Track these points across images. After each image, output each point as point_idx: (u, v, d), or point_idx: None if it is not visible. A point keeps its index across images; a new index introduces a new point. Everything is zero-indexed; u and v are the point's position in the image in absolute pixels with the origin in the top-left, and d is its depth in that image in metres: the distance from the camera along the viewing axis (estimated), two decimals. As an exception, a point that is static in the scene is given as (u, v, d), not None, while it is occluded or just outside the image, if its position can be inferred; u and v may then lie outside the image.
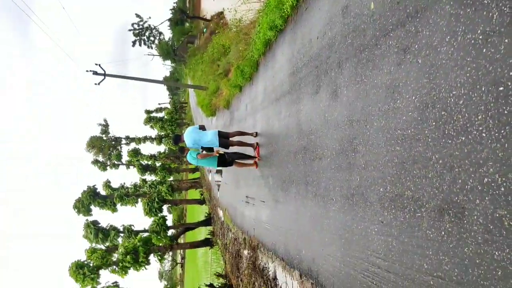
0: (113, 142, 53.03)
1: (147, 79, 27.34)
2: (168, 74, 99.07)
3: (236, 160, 9.42)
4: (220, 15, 32.39)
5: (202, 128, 9.39)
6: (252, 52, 10.45)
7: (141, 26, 58.08)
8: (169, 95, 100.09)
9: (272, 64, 8.70)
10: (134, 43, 56.81)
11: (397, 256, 3.49)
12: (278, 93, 7.96)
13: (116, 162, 43.67)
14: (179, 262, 64.14)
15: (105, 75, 26.51)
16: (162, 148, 55.91)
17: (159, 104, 66.85)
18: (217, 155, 9.13)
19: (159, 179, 37.35)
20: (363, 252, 4.11)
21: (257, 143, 9.53)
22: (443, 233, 2.92)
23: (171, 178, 44.40)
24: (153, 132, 58.56)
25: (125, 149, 49.31)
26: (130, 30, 56.27)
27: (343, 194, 4.65)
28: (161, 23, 67.55)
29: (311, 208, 5.70)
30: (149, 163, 42.17)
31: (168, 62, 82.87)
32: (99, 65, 26.49)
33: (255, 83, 10.56)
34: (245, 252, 10.99)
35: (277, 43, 8.39)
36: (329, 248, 5.01)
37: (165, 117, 58.14)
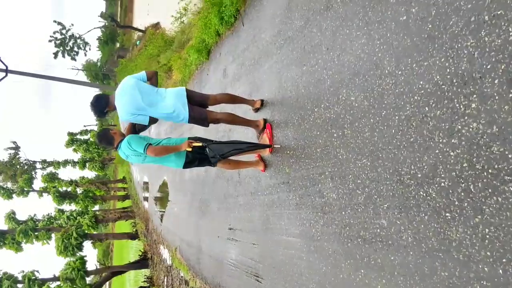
0: (26, 167, 44.86)
1: (60, 79, 21.51)
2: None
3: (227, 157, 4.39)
4: (156, 25, 28.10)
5: (153, 77, 4.43)
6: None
7: (63, 35, 51.13)
8: (96, 119, 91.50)
9: None
10: (56, 54, 49.83)
11: None
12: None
13: (26, 189, 35.80)
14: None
15: (7, 71, 20.34)
16: (87, 173, 48.45)
17: (85, 126, 59.11)
18: (190, 149, 4.17)
19: (80, 209, 30.58)
20: None
21: (264, 120, 4.69)
22: None
23: (96, 207, 37.43)
24: (76, 156, 50.85)
25: (41, 175, 41.45)
26: (50, 40, 49.30)
27: None
28: (88, 31, 60.74)
29: None
30: (69, 189, 34.96)
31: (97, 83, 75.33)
32: (-1, 59, 20.35)
33: (250, 18, 5.78)
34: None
35: None
36: None
37: (91, 139, 50.99)
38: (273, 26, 4.87)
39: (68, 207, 32.53)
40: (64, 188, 34.98)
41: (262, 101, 4.86)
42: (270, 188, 4.52)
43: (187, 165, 4.25)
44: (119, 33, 59.47)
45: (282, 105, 4.37)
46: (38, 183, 39.55)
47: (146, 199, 19.97)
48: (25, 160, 45.51)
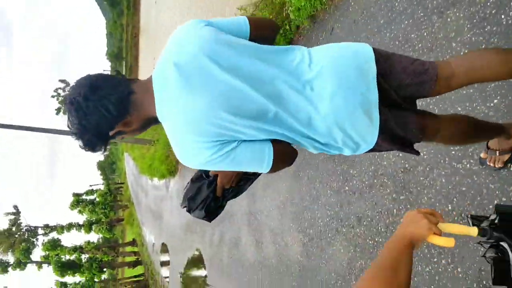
0: (26, 235, 41.09)
1: (62, 131, 18.53)
2: (102, 158, 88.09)
3: None
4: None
5: (267, 32, 1.30)
6: None
7: (67, 91, 49.38)
8: (102, 177, 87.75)
9: None
10: (58, 110, 48.25)
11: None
12: None
13: (23, 260, 31.79)
14: None
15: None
16: (93, 236, 44.46)
17: (90, 186, 55.66)
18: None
19: (85, 281, 26.65)
20: None
21: None
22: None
23: (104, 277, 33.23)
24: (81, 219, 47.13)
25: (41, 242, 37.54)
26: (53, 96, 47.70)
27: None
28: (92, 86, 59.41)
29: None
30: (73, 257, 30.93)
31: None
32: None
33: None
34: None
35: None
36: None
37: (97, 199, 47.41)
38: None
39: (72, 278, 28.58)
40: (67, 256, 30.99)
41: None
42: None
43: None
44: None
45: None
46: (38, 253, 35.62)
47: (165, 264, 16.05)
48: (26, 226, 41.85)
